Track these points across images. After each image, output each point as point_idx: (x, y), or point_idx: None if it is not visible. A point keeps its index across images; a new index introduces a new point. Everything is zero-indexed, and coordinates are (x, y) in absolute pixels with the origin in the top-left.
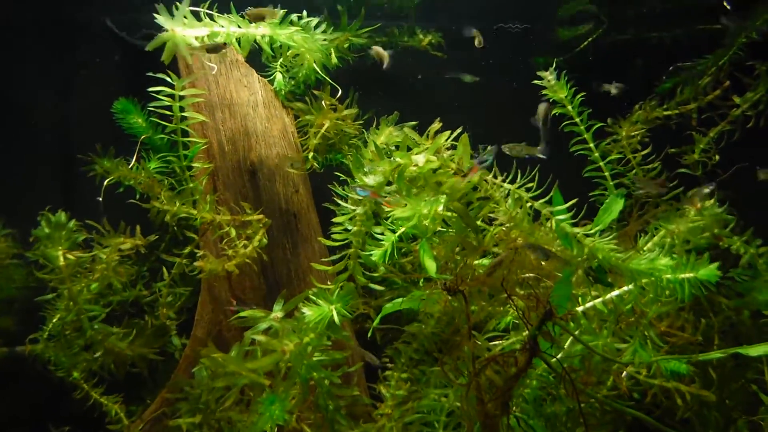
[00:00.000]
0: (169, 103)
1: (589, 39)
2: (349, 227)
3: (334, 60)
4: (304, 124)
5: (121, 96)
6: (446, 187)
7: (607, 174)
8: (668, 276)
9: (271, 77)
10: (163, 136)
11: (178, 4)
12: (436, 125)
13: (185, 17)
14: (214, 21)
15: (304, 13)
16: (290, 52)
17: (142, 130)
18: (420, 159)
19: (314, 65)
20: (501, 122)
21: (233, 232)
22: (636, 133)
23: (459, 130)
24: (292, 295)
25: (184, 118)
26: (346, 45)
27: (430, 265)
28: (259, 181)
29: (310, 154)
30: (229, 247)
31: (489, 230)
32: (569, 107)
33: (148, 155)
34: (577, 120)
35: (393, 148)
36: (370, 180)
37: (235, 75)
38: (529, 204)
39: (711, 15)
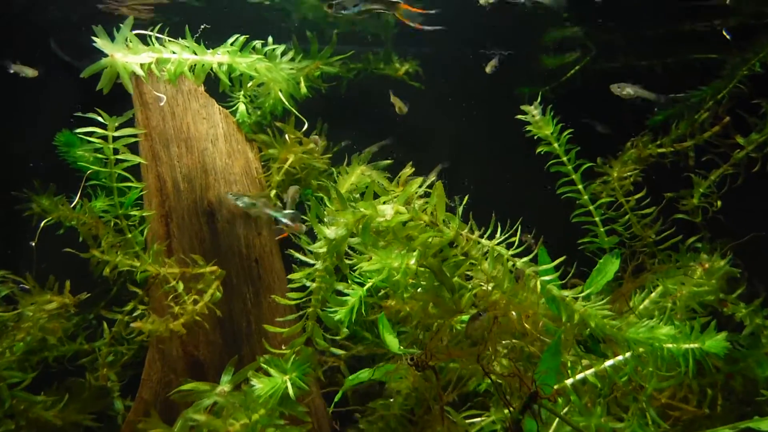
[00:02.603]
0: (100, 145)
1: (577, 67)
2: (308, 284)
3: (304, 90)
4: (268, 158)
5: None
6: (418, 243)
7: (597, 219)
8: (670, 346)
9: (234, 108)
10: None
11: (120, 26)
12: (408, 170)
13: (129, 41)
14: (164, 46)
15: (270, 39)
16: (253, 82)
17: (89, 165)
18: (388, 210)
19: (281, 95)
20: (478, 156)
21: (181, 287)
22: (628, 173)
23: (433, 177)
24: (252, 351)
25: (121, 160)
26: (317, 73)
27: (392, 342)
28: (218, 223)
29: (273, 192)
30: (176, 303)
31: (466, 288)
32: (555, 145)
33: (95, 193)
34: (565, 159)
35: (360, 194)
36: (331, 232)
37: (193, 106)
38: (511, 263)
39: (706, 44)
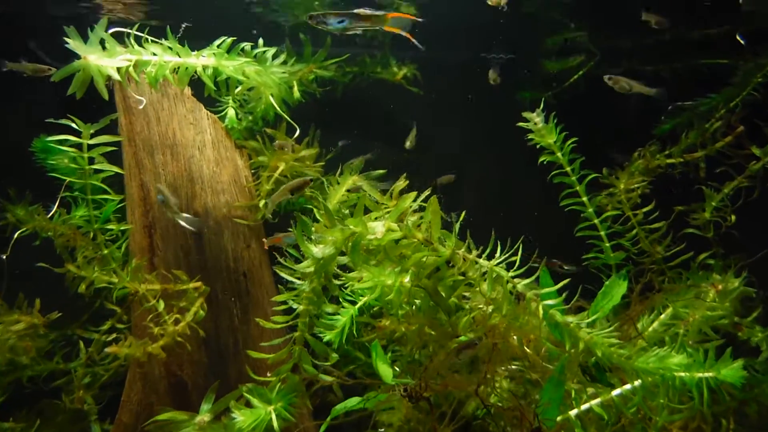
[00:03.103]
0: (74, 154)
1: (580, 72)
2: (295, 306)
3: (297, 94)
4: (258, 165)
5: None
6: (412, 262)
7: (602, 233)
8: (682, 375)
9: (223, 113)
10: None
11: (95, 26)
12: (401, 183)
13: (105, 42)
14: (144, 48)
15: (260, 42)
16: (242, 87)
17: (68, 172)
18: (379, 228)
19: (272, 100)
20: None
21: (162, 306)
22: (636, 185)
23: (428, 192)
24: (239, 371)
25: (98, 170)
26: (311, 77)
27: (385, 372)
28: (204, 234)
29: (262, 202)
30: (156, 324)
31: (464, 310)
32: (559, 154)
33: (76, 201)
34: (568, 169)
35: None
36: (318, 251)
37: (179, 110)
38: (511, 285)
39: (716, 49)
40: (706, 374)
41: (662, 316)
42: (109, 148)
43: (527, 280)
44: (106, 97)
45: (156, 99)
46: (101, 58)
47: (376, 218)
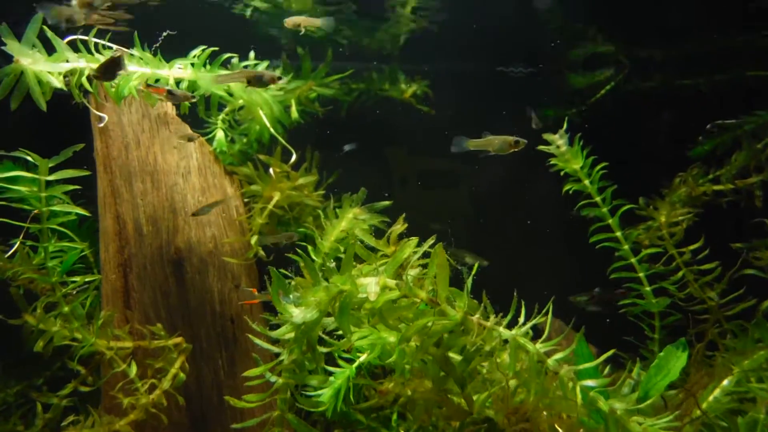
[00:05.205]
0: (29, 194)
1: (607, 86)
2: (272, 379)
3: (295, 114)
4: (251, 195)
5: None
6: (414, 330)
7: (642, 275)
8: None
9: (212, 135)
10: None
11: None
12: (399, 227)
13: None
14: (100, 52)
15: (251, 54)
16: (229, 106)
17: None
18: (372, 287)
19: (265, 120)
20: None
21: (134, 371)
22: (681, 217)
23: (433, 238)
24: None
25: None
26: (312, 95)
27: None
28: (187, 274)
29: (254, 238)
30: (126, 393)
31: (480, 374)
32: (586, 182)
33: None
34: (598, 199)
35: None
36: (299, 315)
37: (162, 133)
38: (538, 359)
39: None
40: None
41: (725, 382)
42: (71, 186)
43: (560, 354)
44: (43, 107)
45: (136, 120)
46: (38, 62)
47: (368, 273)
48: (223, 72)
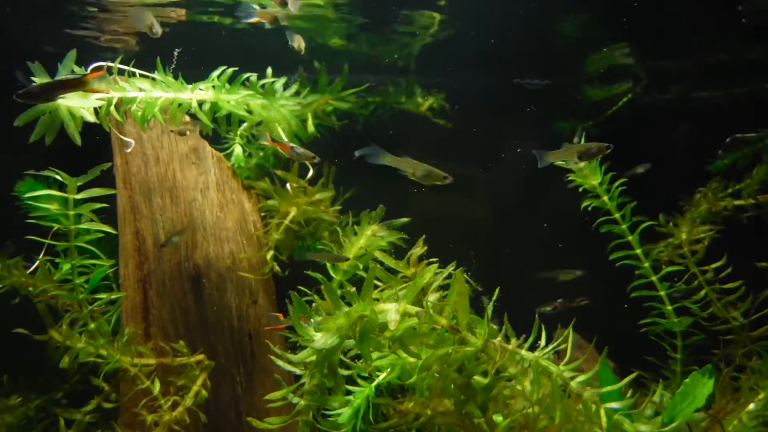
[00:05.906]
0: (58, 213)
1: (624, 99)
2: (295, 401)
3: (311, 128)
4: (268, 209)
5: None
6: (435, 358)
7: (663, 294)
8: None
9: (230, 150)
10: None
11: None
12: (419, 250)
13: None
14: (129, 83)
15: (269, 71)
16: (247, 123)
17: (57, 219)
18: (392, 314)
19: (282, 135)
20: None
21: (156, 388)
22: (703, 234)
23: (452, 266)
24: None
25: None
26: (329, 109)
27: None
28: (205, 290)
29: (270, 254)
30: (149, 410)
31: (503, 404)
32: (605, 198)
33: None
34: (617, 216)
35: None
36: (319, 341)
37: (180, 149)
38: (561, 383)
39: None
40: None
41: (751, 405)
42: (99, 204)
43: (583, 377)
44: (78, 142)
45: (156, 135)
46: (72, 98)
47: (388, 297)
48: (245, 94)
